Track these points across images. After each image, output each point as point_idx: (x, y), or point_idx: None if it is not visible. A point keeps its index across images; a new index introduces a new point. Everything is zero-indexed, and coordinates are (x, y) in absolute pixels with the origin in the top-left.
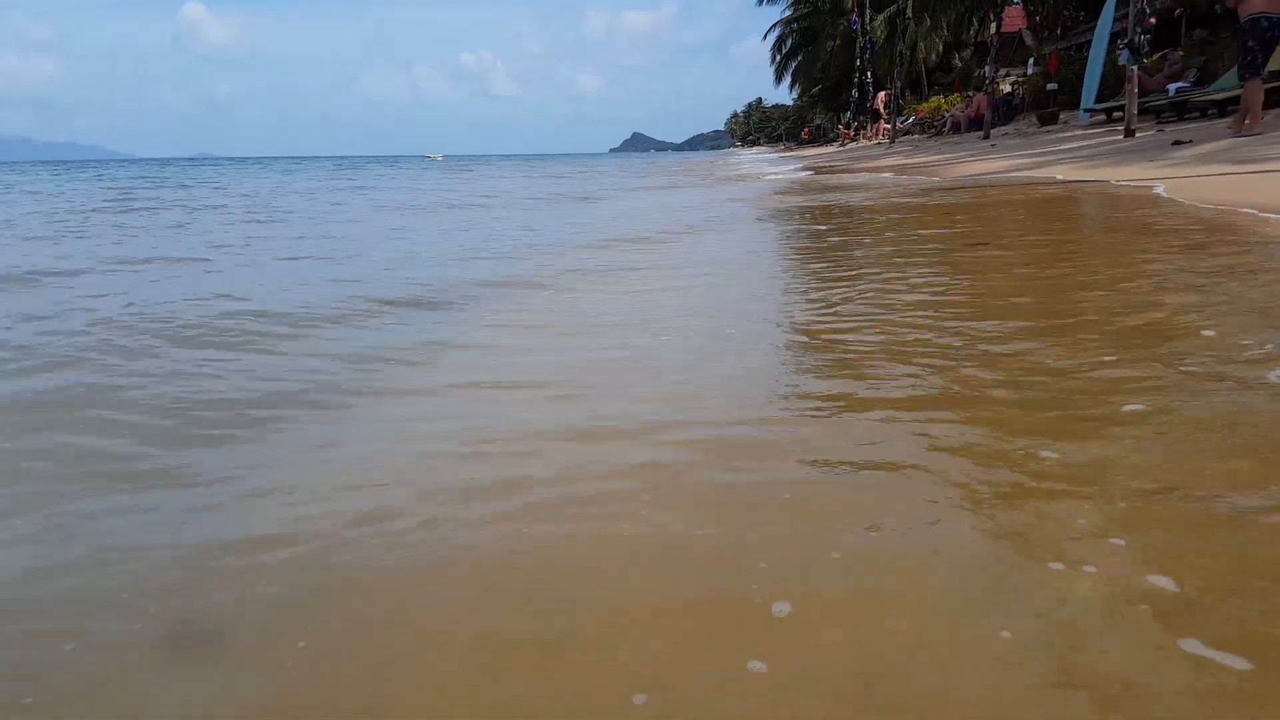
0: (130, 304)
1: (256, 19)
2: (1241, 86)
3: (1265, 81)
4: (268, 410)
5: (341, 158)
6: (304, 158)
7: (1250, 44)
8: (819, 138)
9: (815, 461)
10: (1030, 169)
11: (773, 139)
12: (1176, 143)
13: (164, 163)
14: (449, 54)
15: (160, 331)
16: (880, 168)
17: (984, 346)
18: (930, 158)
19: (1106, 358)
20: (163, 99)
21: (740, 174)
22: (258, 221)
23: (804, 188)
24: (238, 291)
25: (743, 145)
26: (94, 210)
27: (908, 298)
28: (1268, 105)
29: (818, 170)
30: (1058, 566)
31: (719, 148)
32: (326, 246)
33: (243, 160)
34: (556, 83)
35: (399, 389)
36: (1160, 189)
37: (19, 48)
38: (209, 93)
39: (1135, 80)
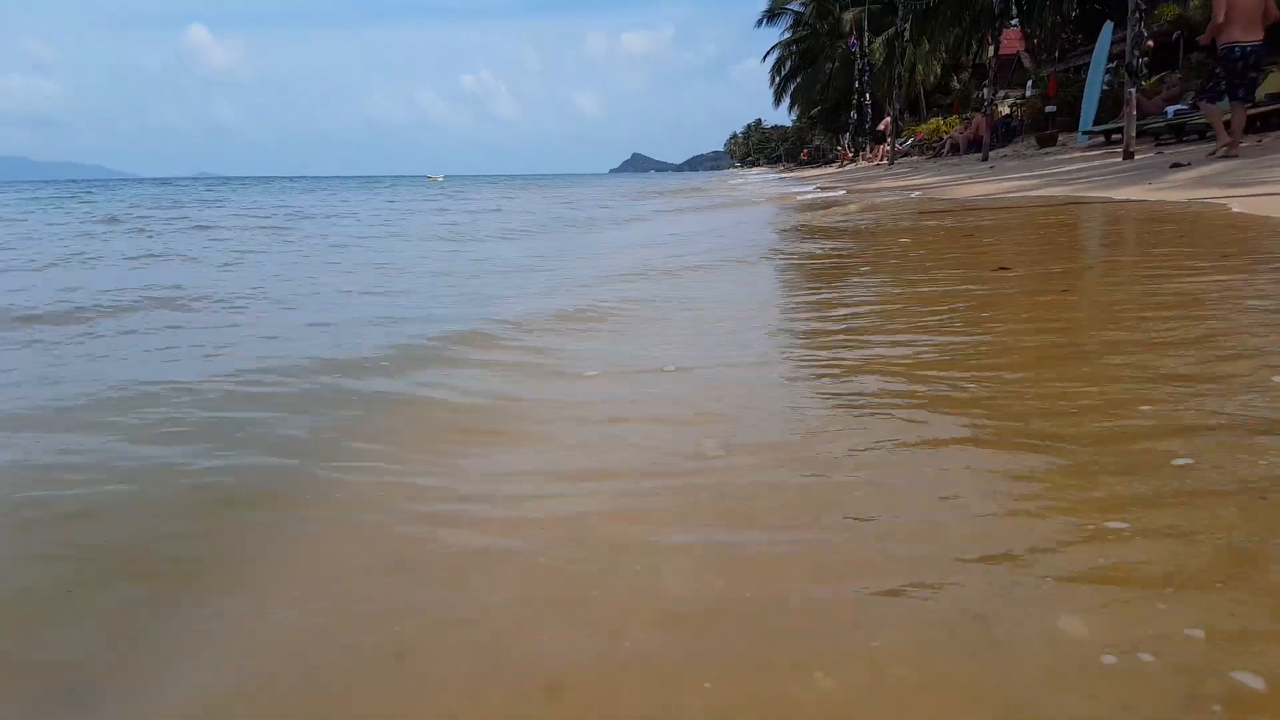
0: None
1: (259, 41)
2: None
3: (1249, 107)
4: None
5: (344, 178)
6: (306, 177)
7: (1218, 70)
8: (818, 159)
9: None
10: (1034, 189)
11: (772, 160)
12: (1175, 165)
13: (165, 182)
14: (450, 76)
15: None
16: (892, 189)
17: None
18: (931, 179)
19: None
20: (165, 119)
21: (760, 194)
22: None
23: (820, 207)
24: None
25: (742, 166)
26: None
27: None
28: (1272, 128)
29: (822, 191)
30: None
31: (718, 168)
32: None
33: (249, 179)
34: (557, 103)
35: None
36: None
37: (21, 68)
38: (211, 113)
39: (1134, 103)
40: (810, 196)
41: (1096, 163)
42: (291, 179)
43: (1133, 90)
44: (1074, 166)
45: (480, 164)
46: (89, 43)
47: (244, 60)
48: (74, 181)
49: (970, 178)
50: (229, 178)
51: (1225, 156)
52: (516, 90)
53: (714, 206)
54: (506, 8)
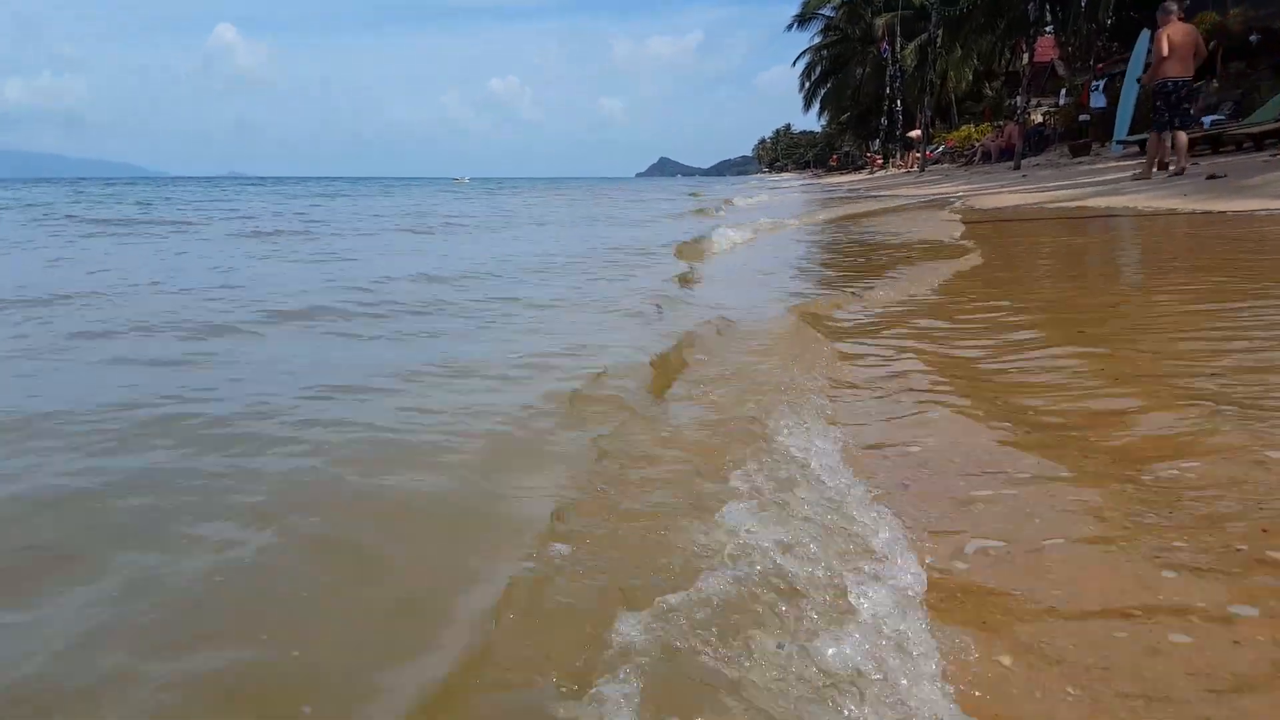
0: None
1: (287, 43)
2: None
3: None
4: None
5: (372, 179)
6: (335, 178)
7: (1159, 104)
8: (847, 164)
9: None
10: (1077, 198)
11: (801, 165)
12: (1211, 177)
13: (194, 180)
14: (477, 80)
15: None
16: (927, 196)
17: None
18: (965, 186)
19: None
20: (193, 118)
21: (802, 200)
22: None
23: (861, 221)
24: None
25: (770, 171)
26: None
27: None
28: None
29: (856, 198)
30: None
31: (745, 173)
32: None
33: (284, 179)
34: (583, 108)
35: None
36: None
37: (52, 67)
38: (239, 113)
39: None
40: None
41: (1130, 172)
42: (330, 179)
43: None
44: (1110, 176)
45: (506, 166)
46: (118, 43)
47: (272, 61)
48: (128, 180)
49: (1004, 186)
50: (262, 177)
51: (1175, 174)
52: (543, 94)
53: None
54: (535, 11)
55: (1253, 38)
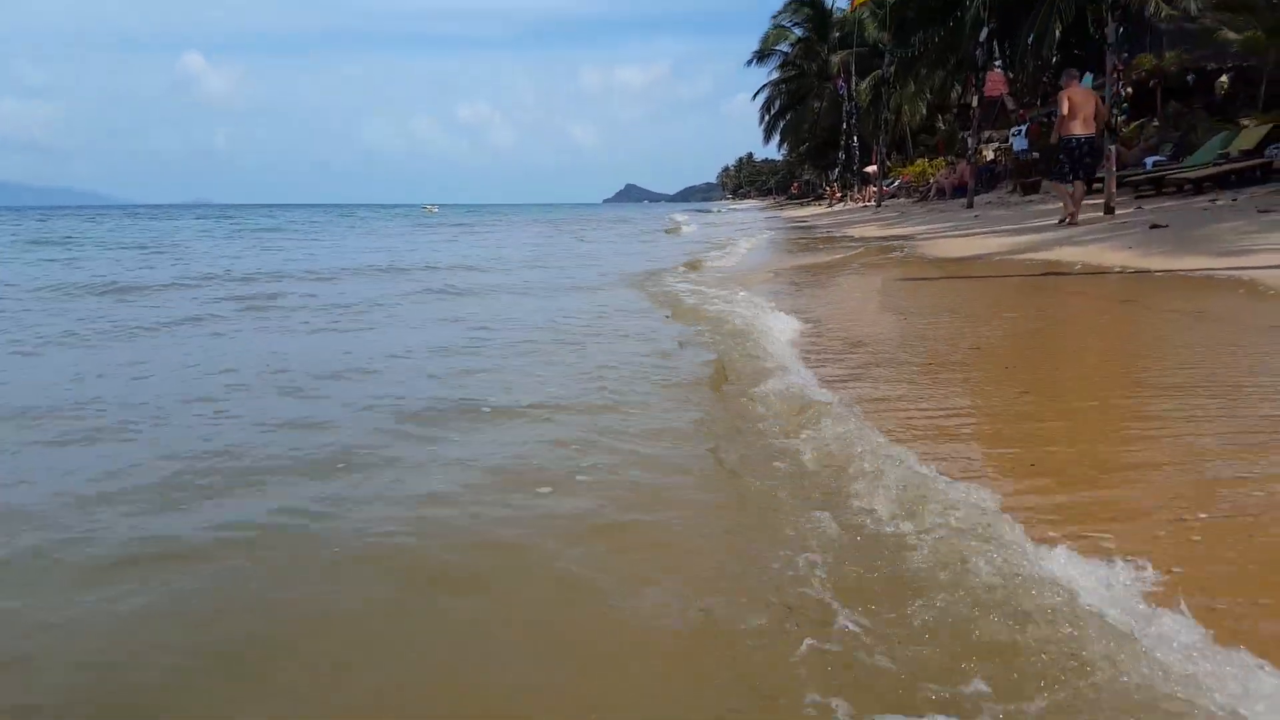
0: None
1: (255, 69)
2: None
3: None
4: None
5: (341, 205)
6: (303, 205)
7: (1062, 158)
8: (808, 192)
9: None
10: (1028, 250)
11: (763, 192)
12: (1154, 225)
13: (162, 209)
14: (447, 105)
15: None
16: (884, 239)
17: None
18: (920, 228)
19: None
20: (160, 145)
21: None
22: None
23: (825, 269)
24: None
25: (734, 197)
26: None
27: None
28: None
29: (817, 239)
30: None
31: (710, 199)
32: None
33: (247, 207)
34: (552, 134)
35: None
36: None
37: (17, 93)
38: (207, 140)
39: (1113, 159)
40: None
41: (1080, 216)
42: (299, 206)
43: (1111, 147)
44: (1055, 220)
45: (474, 192)
46: (84, 68)
47: (239, 87)
48: (80, 207)
49: (957, 227)
50: (226, 205)
51: (1070, 223)
52: (512, 120)
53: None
54: (505, 40)
55: (1189, 78)
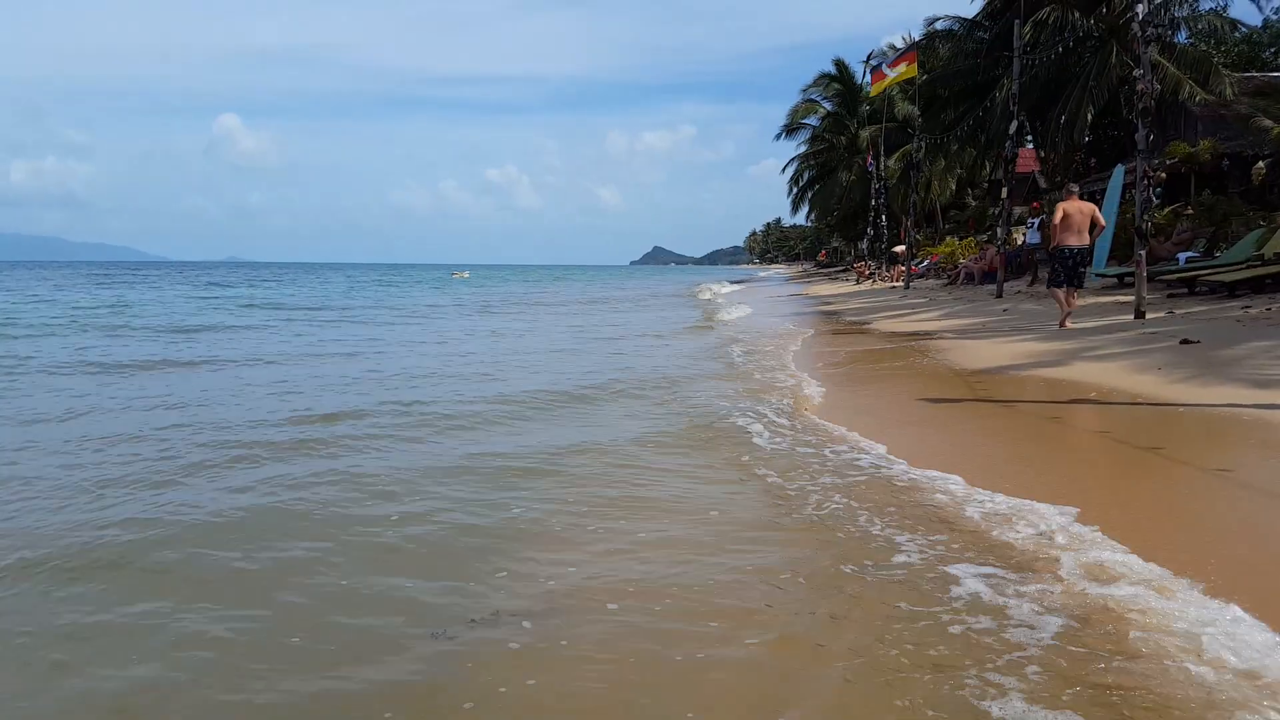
0: None
1: (289, 131)
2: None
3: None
4: None
5: (371, 265)
6: (333, 264)
7: (1057, 266)
8: (835, 261)
9: None
10: (1055, 363)
11: (790, 258)
12: (1185, 341)
13: (197, 266)
14: (475, 168)
15: None
16: (908, 334)
17: None
18: (949, 323)
19: None
20: (195, 204)
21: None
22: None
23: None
24: None
25: (760, 262)
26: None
27: None
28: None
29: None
30: None
31: (737, 263)
32: None
33: (280, 265)
34: (579, 196)
35: None
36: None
37: (57, 151)
38: (240, 199)
39: (1143, 264)
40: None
41: (1110, 319)
42: (330, 265)
43: (1142, 253)
44: (1088, 324)
45: (502, 252)
46: (123, 127)
47: (273, 148)
48: (114, 263)
49: (985, 326)
50: (258, 263)
51: (1061, 326)
52: (540, 182)
53: None
54: (534, 105)
55: (1224, 163)
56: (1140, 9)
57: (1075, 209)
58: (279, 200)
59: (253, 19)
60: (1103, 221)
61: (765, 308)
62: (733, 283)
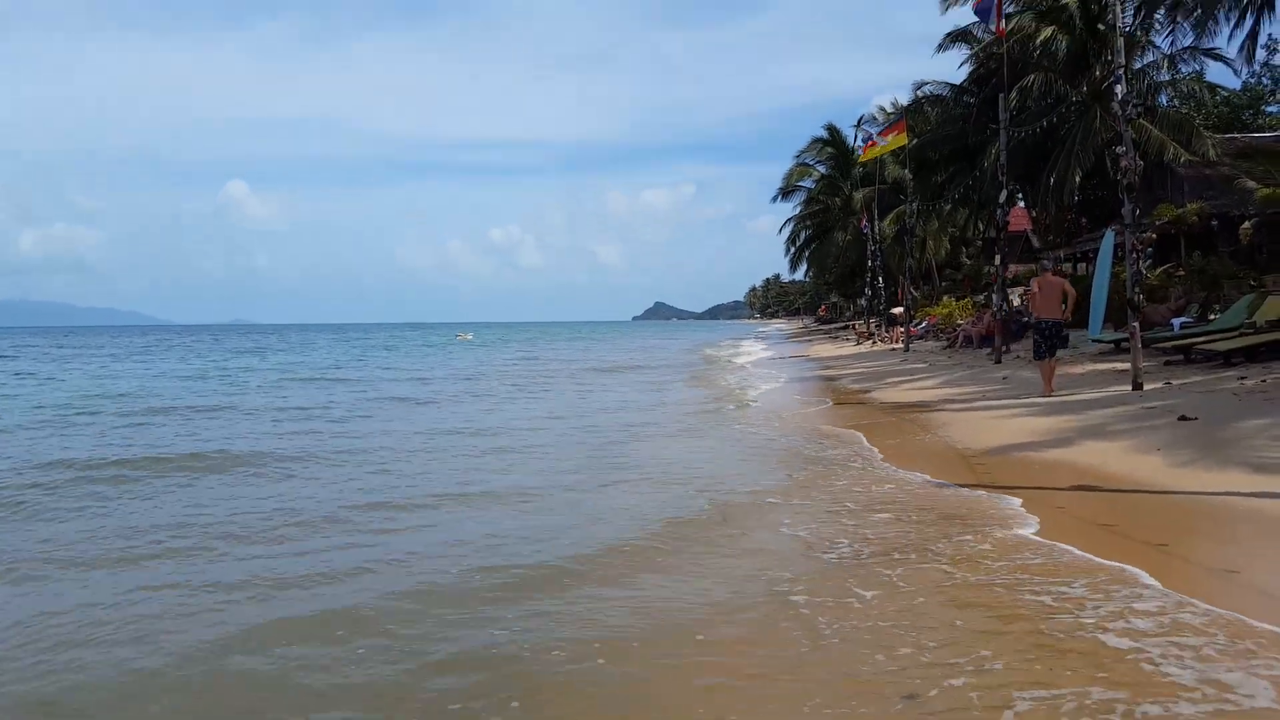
0: None
1: (296, 196)
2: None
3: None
4: None
5: (375, 325)
6: (338, 325)
7: (1037, 339)
8: (835, 316)
9: None
10: (1058, 442)
11: (791, 312)
12: (1182, 418)
13: (202, 329)
14: (479, 228)
15: None
16: (909, 404)
17: None
18: (949, 390)
19: None
20: (201, 267)
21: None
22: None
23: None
24: None
25: (761, 317)
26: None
27: None
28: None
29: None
30: None
31: (738, 318)
32: None
33: (285, 327)
34: (581, 254)
35: None
36: None
37: (67, 217)
38: (247, 262)
39: (1138, 335)
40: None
41: (1108, 389)
42: (333, 326)
43: (1135, 324)
44: (1087, 396)
45: (506, 309)
46: (133, 194)
47: (280, 212)
48: (126, 327)
49: (985, 396)
50: (264, 325)
51: (1045, 396)
52: (543, 241)
53: None
54: (537, 167)
55: (1213, 223)
56: (1119, 90)
57: (1048, 284)
58: (285, 262)
59: (263, 90)
60: (1073, 292)
61: (775, 378)
62: (733, 341)
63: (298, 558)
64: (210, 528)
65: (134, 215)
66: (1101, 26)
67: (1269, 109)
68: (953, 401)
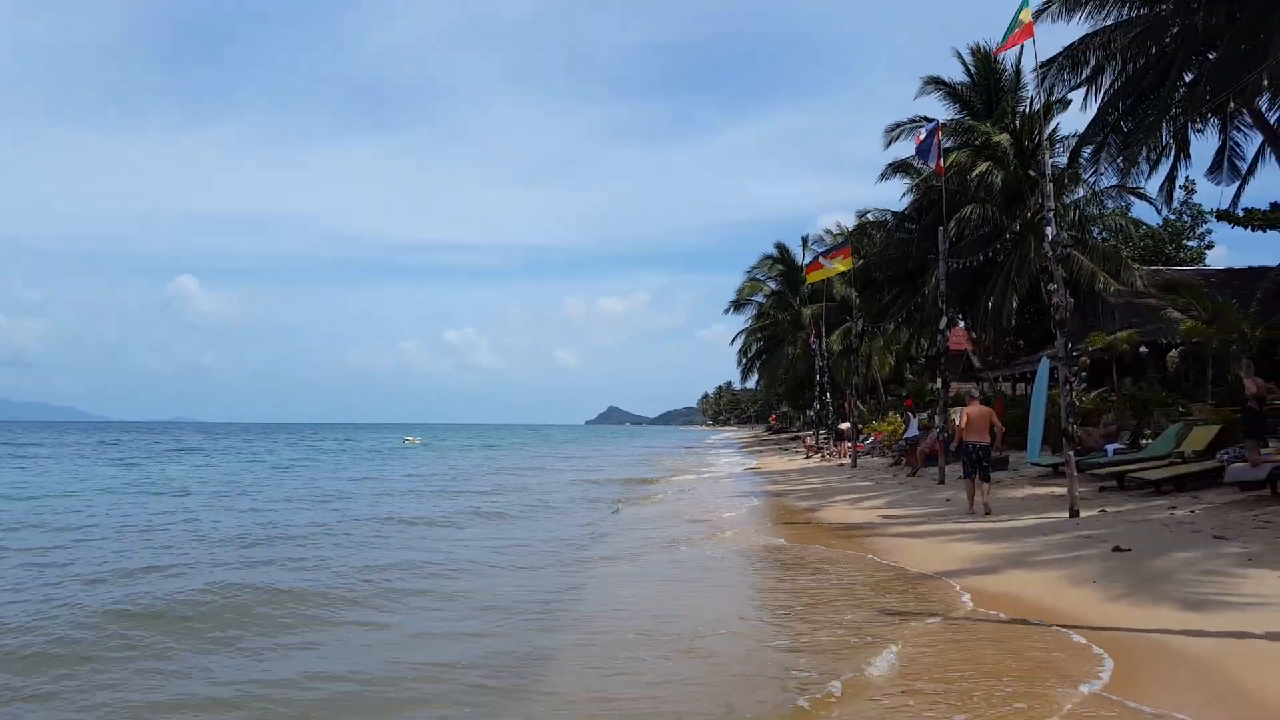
0: None
1: (248, 292)
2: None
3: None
4: None
5: (322, 425)
6: (283, 424)
7: (965, 460)
8: (786, 426)
9: None
10: (997, 568)
11: (742, 420)
12: (1116, 549)
13: (138, 426)
14: (434, 330)
15: None
16: (855, 524)
17: None
18: (894, 511)
19: None
20: (144, 362)
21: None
22: None
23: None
24: None
25: (713, 424)
26: None
27: None
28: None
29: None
30: None
31: (690, 423)
32: None
33: (229, 426)
34: (537, 358)
35: None
36: None
37: (7, 310)
38: (192, 358)
39: (1073, 464)
40: None
41: (1046, 515)
42: (279, 426)
43: (1071, 454)
44: (1026, 522)
45: (459, 411)
46: (79, 287)
47: (230, 308)
48: (55, 423)
49: (929, 519)
50: (206, 423)
51: (969, 512)
52: (498, 344)
53: None
54: (493, 272)
55: (1142, 349)
56: (1049, 231)
57: (976, 412)
58: (232, 359)
59: (217, 185)
60: (1000, 426)
61: (717, 490)
62: (687, 449)
63: None
64: None
65: (79, 309)
66: (1033, 173)
67: (1189, 243)
68: (898, 522)
